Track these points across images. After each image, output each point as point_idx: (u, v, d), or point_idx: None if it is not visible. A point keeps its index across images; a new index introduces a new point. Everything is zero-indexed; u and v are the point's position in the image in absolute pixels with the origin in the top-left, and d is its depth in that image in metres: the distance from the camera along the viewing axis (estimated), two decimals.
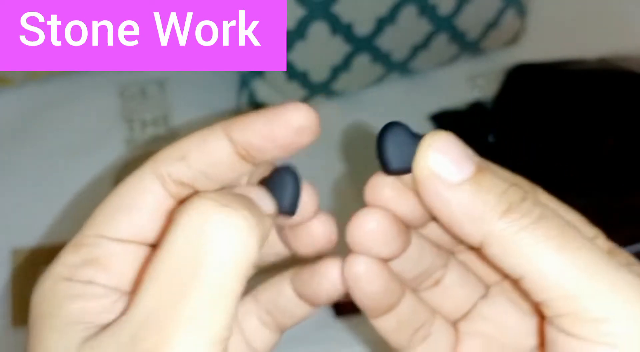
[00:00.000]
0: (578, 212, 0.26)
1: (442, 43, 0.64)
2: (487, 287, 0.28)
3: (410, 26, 0.60)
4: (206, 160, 0.22)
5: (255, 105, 0.61)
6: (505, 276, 0.23)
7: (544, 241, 0.20)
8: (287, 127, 0.22)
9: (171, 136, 0.61)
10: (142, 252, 0.22)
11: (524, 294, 0.23)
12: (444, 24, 0.62)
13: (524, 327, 0.26)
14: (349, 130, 0.62)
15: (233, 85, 0.64)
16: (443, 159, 0.21)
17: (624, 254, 0.24)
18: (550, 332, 0.21)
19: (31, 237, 0.53)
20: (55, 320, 0.21)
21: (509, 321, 0.27)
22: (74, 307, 0.21)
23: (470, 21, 0.63)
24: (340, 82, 0.62)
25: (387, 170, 0.22)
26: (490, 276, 0.27)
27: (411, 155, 0.21)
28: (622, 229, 0.45)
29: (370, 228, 0.23)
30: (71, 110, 0.63)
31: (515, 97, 0.59)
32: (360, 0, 0.57)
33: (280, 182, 0.23)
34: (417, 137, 0.22)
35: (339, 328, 0.49)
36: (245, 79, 0.61)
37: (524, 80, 0.59)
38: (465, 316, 0.27)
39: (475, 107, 0.62)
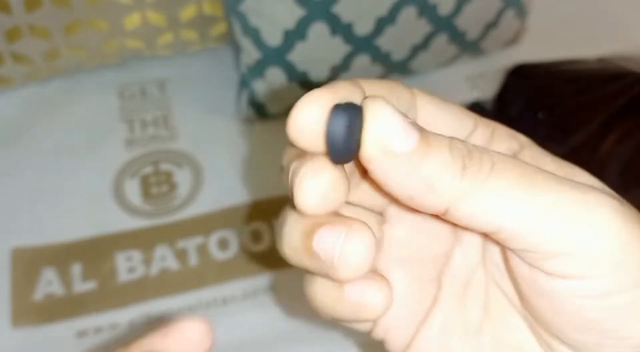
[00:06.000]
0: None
1: (442, 43, 0.64)
2: (381, 213, 0.27)
3: (410, 26, 0.60)
4: None
5: (256, 105, 0.61)
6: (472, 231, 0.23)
7: (512, 186, 0.20)
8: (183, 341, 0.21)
9: (171, 136, 0.62)
10: None
11: (496, 243, 0.23)
12: (444, 24, 0.62)
13: (435, 231, 0.26)
14: None
15: (233, 85, 0.64)
16: (390, 131, 0.20)
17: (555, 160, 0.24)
18: (541, 281, 0.21)
19: (31, 237, 0.53)
20: None
21: (418, 238, 0.26)
22: None
23: (470, 21, 0.63)
24: None
25: (334, 158, 0.20)
26: (376, 200, 0.27)
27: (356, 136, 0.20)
28: None
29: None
30: (71, 110, 0.63)
31: (515, 97, 0.59)
32: (360, 0, 0.57)
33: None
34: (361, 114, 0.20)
35: (338, 328, 0.49)
36: (246, 79, 0.61)
37: (524, 80, 0.59)
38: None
39: (475, 107, 0.62)
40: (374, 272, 0.23)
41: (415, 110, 0.24)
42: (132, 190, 0.57)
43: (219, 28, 0.65)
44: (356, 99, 0.22)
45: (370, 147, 0.20)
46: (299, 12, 0.56)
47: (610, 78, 0.55)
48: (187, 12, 0.63)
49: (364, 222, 0.21)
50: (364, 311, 0.23)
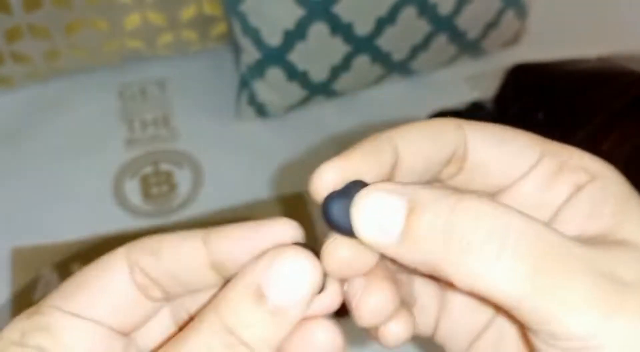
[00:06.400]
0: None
1: (442, 43, 0.64)
2: None
3: (410, 26, 0.60)
4: (177, 263, 0.22)
5: (256, 105, 0.61)
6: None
7: (521, 278, 0.19)
8: (270, 241, 0.22)
9: (171, 136, 0.62)
10: (94, 331, 0.22)
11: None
12: (444, 24, 0.62)
13: None
14: (349, 130, 0.62)
15: (233, 85, 0.64)
16: (370, 229, 0.20)
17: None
18: (536, 342, 0.21)
19: (31, 237, 0.53)
20: None
21: None
22: None
23: (470, 21, 0.63)
24: (340, 82, 0.62)
25: (332, 229, 0.22)
26: None
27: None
28: None
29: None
30: (71, 110, 0.63)
31: (515, 97, 0.59)
32: (360, 0, 0.57)
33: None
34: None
35: (339, 328, 0.49)
36: (246, 79, 0.61)
37: (524, 80, 0.59)
38: None
39: (475, 107, 0.62)
40: (401, 307, 0.24)
41: (465, 147, 0.24)
42: (132, 190, 0.57)
43: (219, 28, 0.65)
44: (378, 162, 0.22)
45: (365, 239, 0.21)
46: (299, 12, 0.56)
47: (610, 78, 0.55)
48: (187, 12, 0.63)
49: (386, 281, 0.23)
50: (383, 339, 0.24)
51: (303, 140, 0.61)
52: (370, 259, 0.22)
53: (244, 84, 0.61)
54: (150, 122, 0.63)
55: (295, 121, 0.63)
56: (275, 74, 0.59)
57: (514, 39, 0.69)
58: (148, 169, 0.59)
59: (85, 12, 0.60)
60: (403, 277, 0.26)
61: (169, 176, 0.59)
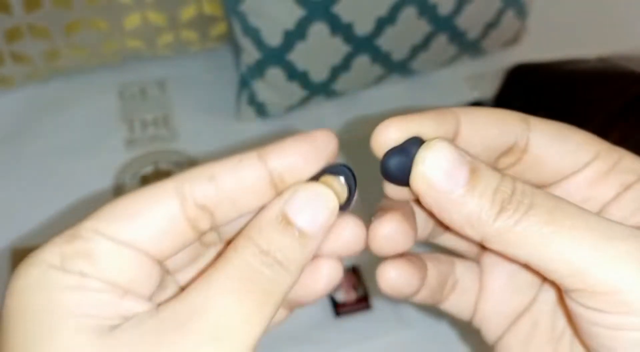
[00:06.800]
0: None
1: (442, 43, 0.64)
2: None
3: (410, 26, 0.60)
4: (237, 185, 0.23)
5: (256, 105, 0.61)
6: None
7: (539, 229, 0.21)
8: (318, 149, 0.24)
9: (171, 136, 0.62)
10: (135, 258, 0.22)
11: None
12: (444, 24, 0.62)
13: None
14: (348, 128, 0.62)
15: (233, 85, 0.64)
16: (437, 172, 0.22)
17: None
18: (569, 303, 0.22)
19: (31, 237, 0.53)
20: (52, 314, 0.20)
21: None
22: (73, 299, 0.20)
23: (470, 21, 0.63)
24: (340, 82, 0.62)
25: (388, 180, 0.24)
26: None
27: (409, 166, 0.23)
28: None
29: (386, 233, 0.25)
30: (71, 110, 0.63)
31: (515, 97, 0.59)
32: (360, 0, 0.57)
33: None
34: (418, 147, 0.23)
35: (339, 328, 0.49)
36: (246, 79, 0.61)
37: (524, 80, 0.59)
38: (485, 249, 0.28)
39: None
40: (412, 257, 0.26)
41: (527, 139, 0.25)
42: (132, 190, 0.57)
43: (219, 28, 0.65)
44: (439, 128, 0.24)
45: (416, 182, 0.22)
46: (299, 12, 0.56)
47: (610, 78, 0.55)
48: (187, 12, 0.63)
49: (403, 219, 0.25)
50: (379, 278, 0.25)
51: None
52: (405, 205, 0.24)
53: (244, 84, 0.61)
54: (150, 122, 0.63)
55: (295, 121, 0.63)
56: (275, 74, 0.59)
57: (514, 39, 0.69)
58: (148, 169, 0.59)
59: (85, 12, 0.60)
60: (442, 256, 0.28)
61: (169, 176, 0.58)
